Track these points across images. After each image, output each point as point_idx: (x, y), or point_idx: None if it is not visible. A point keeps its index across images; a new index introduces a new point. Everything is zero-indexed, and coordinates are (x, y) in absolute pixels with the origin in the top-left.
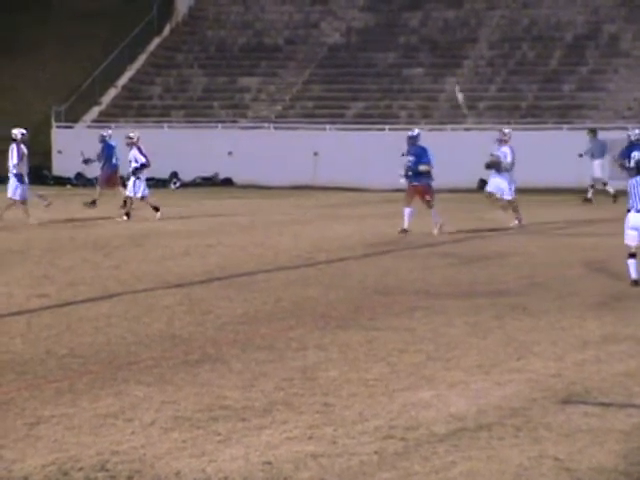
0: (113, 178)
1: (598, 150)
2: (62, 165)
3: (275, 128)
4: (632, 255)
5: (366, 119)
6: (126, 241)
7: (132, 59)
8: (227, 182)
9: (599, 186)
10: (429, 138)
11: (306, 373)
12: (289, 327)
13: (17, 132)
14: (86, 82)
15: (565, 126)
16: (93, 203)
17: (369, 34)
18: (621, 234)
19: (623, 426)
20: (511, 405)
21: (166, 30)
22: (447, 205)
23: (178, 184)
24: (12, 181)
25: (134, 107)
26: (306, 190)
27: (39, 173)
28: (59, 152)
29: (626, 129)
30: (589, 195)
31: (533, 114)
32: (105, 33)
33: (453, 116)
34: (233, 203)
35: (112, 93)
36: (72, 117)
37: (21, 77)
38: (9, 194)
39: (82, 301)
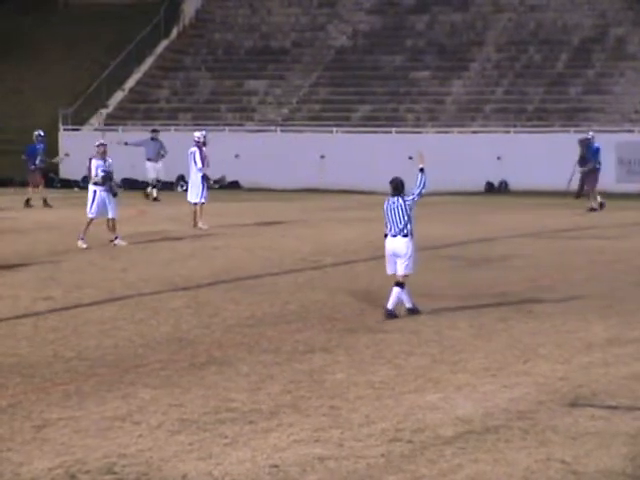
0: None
1: (154, 151)
2: (69, 168)
3: (282, 131)
4: (398, 284)
5: (373, 122)
6: (132, 244)
7: (139, 62)
8: (234, 185)
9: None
10: (436, 141)
11: (313, 376)
12: (296, 330)
13: None
14: (93, 85)
15: (572, 129)
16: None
17: (376, 37)
18: (625, 237)
19: (630, 429)
20: (518, 408)
21: (173, 33)
22: (453, 207)
23: (185, 187)
24: None
25: (141, 110)
26: (313, 193)
27: (46, 176)
28: (66, 155)
29: (632, 132)
30: (154, 194)
31: (539, 117)
32: (111, 36)
33: (460, 119)
34: (239, 206)
35: (119, 96)
36: (79, 120)
37: (26, 80)
38: None
39: (88, 304)
